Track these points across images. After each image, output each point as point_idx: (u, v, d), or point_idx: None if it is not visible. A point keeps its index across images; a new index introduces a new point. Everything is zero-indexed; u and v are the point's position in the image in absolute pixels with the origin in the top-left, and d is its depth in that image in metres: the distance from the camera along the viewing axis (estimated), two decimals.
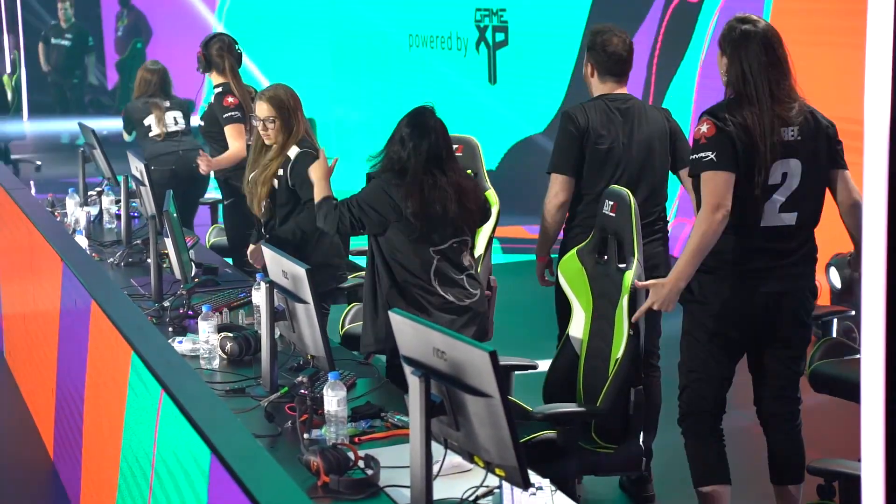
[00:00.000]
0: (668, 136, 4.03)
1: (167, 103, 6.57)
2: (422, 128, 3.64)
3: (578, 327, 3.59)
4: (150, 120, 6.54)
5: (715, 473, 3.54)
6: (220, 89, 5.64)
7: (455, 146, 4.54)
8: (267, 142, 4.52)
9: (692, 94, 7.09)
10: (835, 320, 4.16)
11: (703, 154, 3.34)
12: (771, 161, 3.32)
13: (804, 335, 3.55)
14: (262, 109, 4.48)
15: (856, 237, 3.48)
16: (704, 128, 3.36)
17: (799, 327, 3.52)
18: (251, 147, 4.74)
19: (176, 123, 6.57)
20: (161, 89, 6.59)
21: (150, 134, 6.54)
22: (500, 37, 9.06)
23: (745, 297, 3.40)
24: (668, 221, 4.12)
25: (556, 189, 3.97)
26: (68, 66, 13.08)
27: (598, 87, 4.04)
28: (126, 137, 6.85)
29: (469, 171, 4.39)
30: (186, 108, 6.73)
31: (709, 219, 3.29)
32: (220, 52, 5.64)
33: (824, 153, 3.42)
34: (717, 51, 3.48)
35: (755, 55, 3.34)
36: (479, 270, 4.12)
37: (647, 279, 3.43)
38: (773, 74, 3.34)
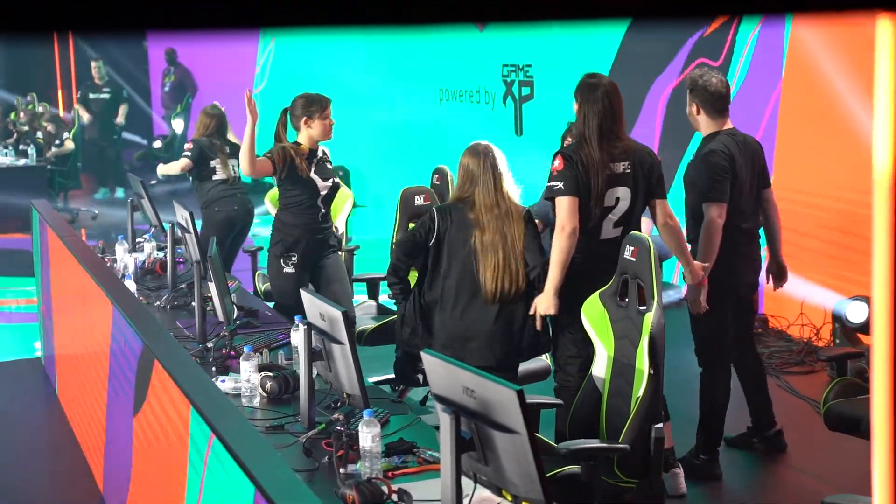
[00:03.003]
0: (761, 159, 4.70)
1: (227, 149, 6.77)
2: None
3: (601, 367, 3.69)
4: (216, 163, 6.72)
5: None
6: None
7: (422, 195, 5.00)
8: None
9: None
10: (848, 361, 4.25)
11: (553, 183, 4.17)
12: (604, 189, 4.14)
13: None
14: None
15: (674, 248, 4.38)
16: (556, 163, 4.19)
17: None
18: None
19: (234, 172, 6.81)
20: (218, 132, 6.80)
21: (215, 177, 6.76)
22: (525, 91, 9.24)
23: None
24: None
25: (718, 213, 4.45)
26: (108, 119, 13.05)
27: (708, 123, 4.53)
28: (175, 169, 6.87)
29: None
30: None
31: (561, 237, 4.11)
32: None
33: (647, 184, 4.22)
34: (574, 100, 4.26)
35: (594, 103, 4.15)
36: None
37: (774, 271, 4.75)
38: (605, 120, 4.15)
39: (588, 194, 4.14)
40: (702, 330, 4.66)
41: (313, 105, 5.15)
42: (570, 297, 4.04)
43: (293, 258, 5.25)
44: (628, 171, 4.20)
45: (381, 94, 11.35)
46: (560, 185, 4.15)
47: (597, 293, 3.80)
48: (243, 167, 5.09)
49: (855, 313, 5.96)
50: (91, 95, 13.07)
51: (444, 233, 4.15)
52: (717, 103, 4.52)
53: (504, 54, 9.39)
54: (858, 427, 3.91)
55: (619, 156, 4.19)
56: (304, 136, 5.19)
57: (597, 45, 8.23)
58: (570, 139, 4.88)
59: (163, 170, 7.12)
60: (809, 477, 4.68)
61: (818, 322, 6.36)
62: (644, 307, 3.55)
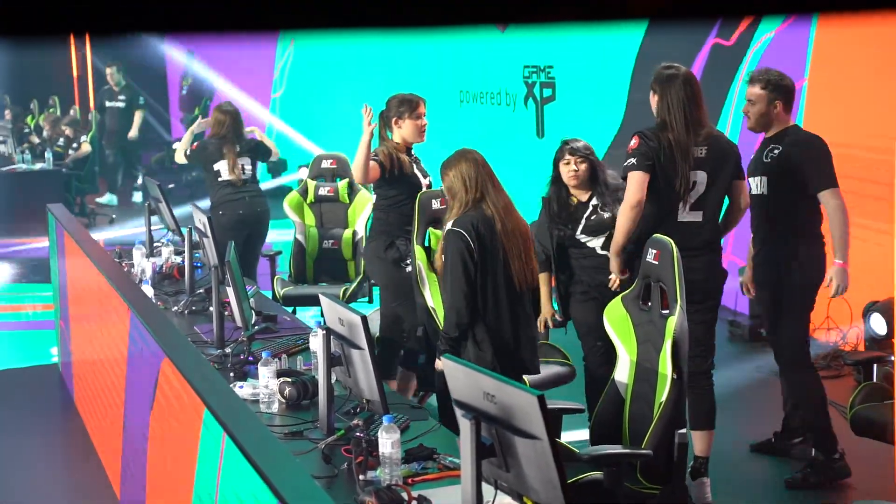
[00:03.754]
0: None
1: (238, 148, 6.73)
2: None
3: (623, 372, 3.65)
4: (220, 165, 6.66)
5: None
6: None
7: (439, 199, 4.97)
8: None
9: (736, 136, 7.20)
10: (875, 366, 4.19)
11: (627, 161, 4.38)
12: (688, 171, 4.32)
13: (712, 311, 4.41)
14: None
15: (726, 226, 4.55)
16: (633, 142, 4.40)
17: (708, 306, 4.37)
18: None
19: (244, 172, 6.77)
20: (233, 130, 6.74)
21: (220, 179, 6.73)
22: (547, 92, 9.19)
23: None
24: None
25: (841, 198, 4.49)
26: (123, 128, 12.82)
27: (784, 119, 4.58)
28: (179, 158, 6.90)
29: None
30: (255, 154, 6.84)
31: (625, 207, 4.34)
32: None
33: (726, 167, 4.41)
34: (650, 91, 4.45)
35: (675, 92, 4.35)
36: None
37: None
38: (689, 107, 4.36)
39: (667, 176, 4.34)
40: (798, 326, 4.60)
41: (403, 105, 5.12)
42: None
43: (409, 261, 4.99)
44: (705, 155, 4.40)
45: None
46: (633, 161, 4.35)
47: (619, 297, 3.76)
48: (356, 176, 5.01)
49: (878, 325, 5.89)
50: (107, 104, 12.93)
51: (485, 241, 4.03)
52: (793, 98, 4.62)
53: (525, 55, 9.35)
54: (885, 432, 3.85)
55: (701, 141, 4.40)
56: (397, 136, 5.13)
57: (619, 45, 8.18)
58: (568, 155, 4.71)
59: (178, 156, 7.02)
60: (835, 482, 4.61)
61: (844, 325, 6.28)
62: (667, 311, 3.51)
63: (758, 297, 4.80)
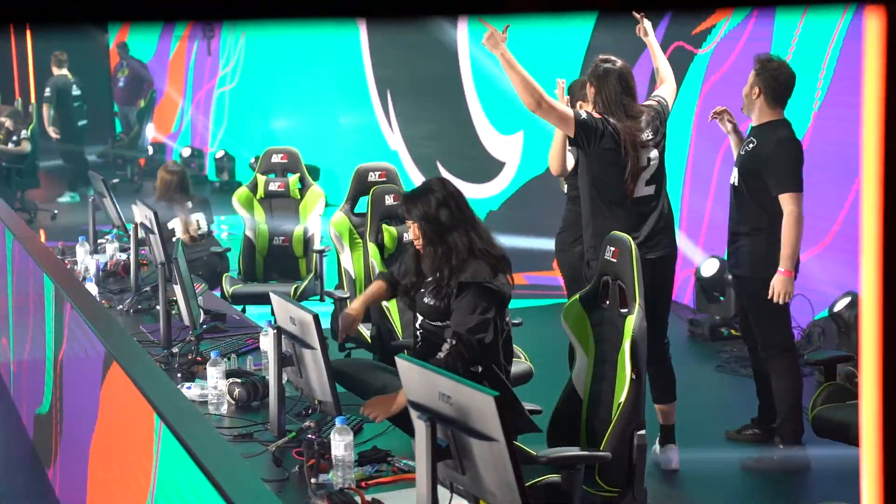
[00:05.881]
0: None
1: (189, 204, 6.60)
2: None
3: (581, 372, 3.60)
4: (174, 223, 6.52)
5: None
6: None
7: (378, 172, 5.01)
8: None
9: (689, 137, 7.21)
10: (838, 365, 4.18)
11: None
12: (636, 158, 4.43)
13: (669, 289, 4.66)
14: None
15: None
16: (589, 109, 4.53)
17: (667, 282, 4.60)
18: None
19: (199, 228, 6.61)
20: (180, 189, 6.62)
21: (173, 239, 6.56)
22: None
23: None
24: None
25: (801, 204, 4.47)
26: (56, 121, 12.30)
27: (765, 111, 4.56)
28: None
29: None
30: (208, 207, 6.73)
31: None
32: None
33: (663, 136, 4.60)
34: (587, 84, 4.57)
35: (613, 86, 4.45)
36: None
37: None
38: (626, 100, 4.47)
39: (623, 165, 4.43)
40: (780, 318, 4.62)
41: (584, 88, 5.02)
42: None
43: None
44: (651, 136, 4.52)
45: (353, 92, 11.27)
46: (583, 114, 4.44)
47: (577, 295, 3.71)
48: (554, 167, 5.08)
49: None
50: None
51: None
52: (783, 93, 4.57)
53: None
54: (848, 433, 3.84)
55: (644, 127, 4.50)
56: None
57: (568, 39, 8.18)
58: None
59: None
60: (797, 483, 4.61)
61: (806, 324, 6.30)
62: (626, 310, 3.46)
63: (737, 286, 4.88)
